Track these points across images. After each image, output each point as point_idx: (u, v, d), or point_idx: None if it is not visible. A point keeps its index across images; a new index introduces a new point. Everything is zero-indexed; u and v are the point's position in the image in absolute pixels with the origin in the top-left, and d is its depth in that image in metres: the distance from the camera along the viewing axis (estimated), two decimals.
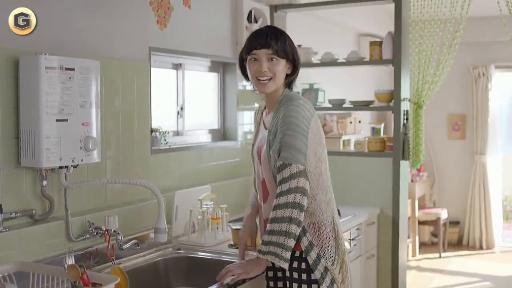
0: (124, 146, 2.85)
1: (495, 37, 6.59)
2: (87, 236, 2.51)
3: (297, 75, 2.37)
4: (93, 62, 2.44)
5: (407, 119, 4.01)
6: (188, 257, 2.82)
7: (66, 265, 1.94)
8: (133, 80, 2.89)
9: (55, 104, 2.26)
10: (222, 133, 3.89)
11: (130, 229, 2.73)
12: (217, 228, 3.01)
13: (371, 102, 4.23)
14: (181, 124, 3.51)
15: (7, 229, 2.22)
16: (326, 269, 2.24)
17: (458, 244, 7.28)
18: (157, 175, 3.08)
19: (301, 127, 2.20)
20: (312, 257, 2.24)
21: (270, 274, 2.43)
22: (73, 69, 2.32)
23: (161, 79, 3.32)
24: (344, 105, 4.27)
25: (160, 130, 3.14)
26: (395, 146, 3.99)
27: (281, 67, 2.29)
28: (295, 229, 2.14)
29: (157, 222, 2.40)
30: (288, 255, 2.15)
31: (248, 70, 2.33)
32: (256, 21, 4.00)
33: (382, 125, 4.71)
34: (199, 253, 2.83)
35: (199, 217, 2.97)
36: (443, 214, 6.83)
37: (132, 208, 2.80)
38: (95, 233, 2.52)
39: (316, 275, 2.23)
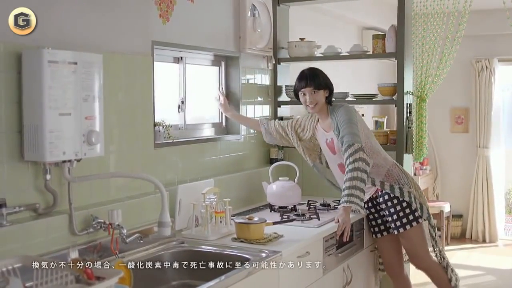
0: (127, 140, 2.85)
1: (498, 30, 6.55)
2: (91, 230, 2.51)
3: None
4: (96, 56, 2.43)
5: (410, 112, 4.00)
6: (191, 250, 2.82)
7: (69, 259, 1.94)
8: (136, 74, 2.89)
9: (58, 98, 2.26)
10: (225, 127, 3.89)
11: (133, 223, 2.73)
12: (221, 222, 3.02)
13: (374, 95, 4.22)
14: (183, 118, 3.50)
15: (11, 223, 2.22)
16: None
17: (461, 238, 7.27)
18: (160, 169, 3.08)
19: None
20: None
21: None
22: (75, 63, 2.32)
23: (163, 73, 3.31)
24: (347, 99, 4.26)
25: (163, 124, 3.14)
26: (398, 140, 3.98)
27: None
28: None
29: (160, 216, 2.40)
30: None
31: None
32: (258, 15, 3.99)
33: (385, 118, 4.71)
34: (203, 246, 2.83)
35: (202, 210, 2.97)
36: (446, 208, 6.81)
37: (135, 202, 2.80)
38: (99, 227, 2.52)
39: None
